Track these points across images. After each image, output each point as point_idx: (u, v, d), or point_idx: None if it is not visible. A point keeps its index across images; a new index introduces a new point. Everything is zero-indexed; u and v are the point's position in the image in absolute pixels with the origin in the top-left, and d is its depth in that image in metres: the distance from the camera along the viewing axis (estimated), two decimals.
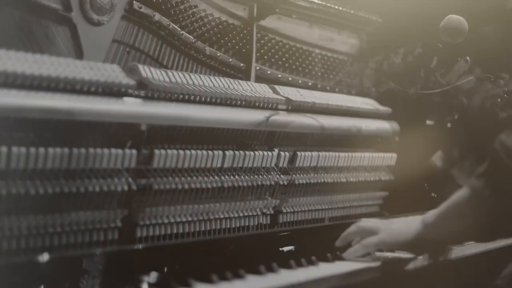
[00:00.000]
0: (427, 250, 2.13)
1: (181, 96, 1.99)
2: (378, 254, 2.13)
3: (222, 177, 2.06)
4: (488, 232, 1.99)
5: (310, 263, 1.95)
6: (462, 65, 1.96)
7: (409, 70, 2.49)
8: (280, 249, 2.11)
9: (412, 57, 2.44)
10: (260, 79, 2.39)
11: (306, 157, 2.33)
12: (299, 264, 1.91)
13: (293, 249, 2.11)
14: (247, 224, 2.16)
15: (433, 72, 2.36)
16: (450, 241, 2.14)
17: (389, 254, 2.14)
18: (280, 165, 2.24)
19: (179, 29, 2.19)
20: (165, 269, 1.76)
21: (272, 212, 2.25)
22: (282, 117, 2.26)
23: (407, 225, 2.08)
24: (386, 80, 2.62)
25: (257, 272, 1.79)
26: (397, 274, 2.12)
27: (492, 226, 1.93)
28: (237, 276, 1.74)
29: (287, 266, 1.89)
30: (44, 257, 1.62)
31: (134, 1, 2.07)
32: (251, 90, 2.21)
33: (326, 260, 2.01)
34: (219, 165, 2.04)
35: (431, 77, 2.38)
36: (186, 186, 1.97)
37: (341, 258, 2.05)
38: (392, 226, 2.08)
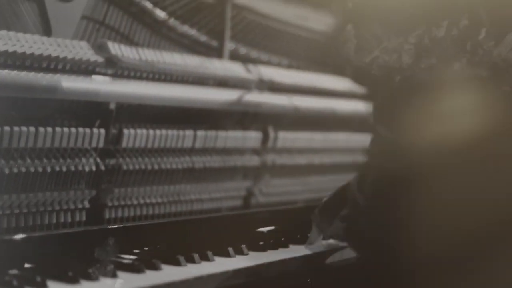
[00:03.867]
0: None
1: (151, 74, 1.95)
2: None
3: (193, 158, 2.03)
4: None
5: (280, 245, 1.93)
6: None
7: (454, 44, 2.37)
8: (259, 229, 2.08)
9: (457, 30, 2.33)
10: (233, 58, 2.35)
11: (279, 138, 2.30)
12: (269, 247, 1.89)
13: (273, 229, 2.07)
14: (218, 206, 2.14)
15: (481, 45, 2.25)
16: None
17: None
18: (253, 146, 2.21)
19: (150, 5, 2.14)
20: (133, 251, 1.73)
21: (245, 193, 2.23)
22: (255, 97, 2.24)
23: None
24: (427, 55, 2.50)
25: (225, 254, 1.77)
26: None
27: None
28: (205, 258, 1.71)
29: (257, 249, 1.86)
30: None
31: None
32: (224, 69, 2.18)
33: (297, 242, 1.99)
34: (190, 145, 2.01)
35: (478, 51, 2.27)
36: (156, 167, 1.94)
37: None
38: None
